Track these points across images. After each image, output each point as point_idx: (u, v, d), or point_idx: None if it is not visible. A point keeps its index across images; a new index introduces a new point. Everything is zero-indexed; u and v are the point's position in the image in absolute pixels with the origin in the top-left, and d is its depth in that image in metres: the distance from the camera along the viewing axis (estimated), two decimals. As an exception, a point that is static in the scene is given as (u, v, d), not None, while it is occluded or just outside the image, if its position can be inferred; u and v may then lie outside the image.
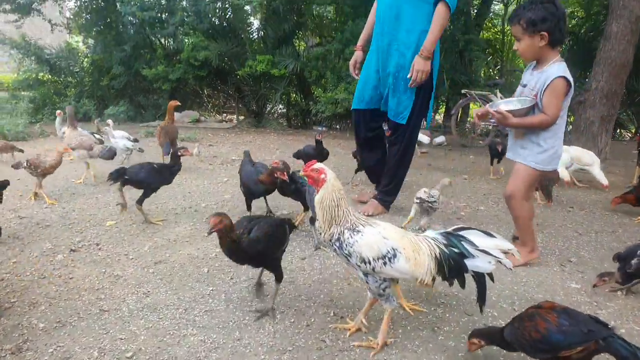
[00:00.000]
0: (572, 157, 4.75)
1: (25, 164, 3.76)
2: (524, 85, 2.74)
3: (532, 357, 1.72)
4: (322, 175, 1.85)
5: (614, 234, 3.58)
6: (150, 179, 3.29)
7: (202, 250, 2.94)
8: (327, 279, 2.60)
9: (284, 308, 2.27)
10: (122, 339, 1.98)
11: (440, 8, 3.23)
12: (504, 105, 2.76)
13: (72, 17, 10.99)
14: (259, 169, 3.31)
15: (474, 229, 1.91)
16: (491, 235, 1.87)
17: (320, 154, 4.35)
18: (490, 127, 7.99)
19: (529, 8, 2.55)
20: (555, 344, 1.59)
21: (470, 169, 5.92)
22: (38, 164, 3.73)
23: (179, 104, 5.46)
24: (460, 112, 8.79)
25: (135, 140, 5.31)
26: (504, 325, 1.78)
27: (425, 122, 3.91)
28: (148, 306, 2.25)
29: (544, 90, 2.56)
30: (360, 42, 3.84)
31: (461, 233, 1.88)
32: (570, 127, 7.13)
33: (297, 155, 4.64)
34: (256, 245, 2.05)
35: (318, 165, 1.88)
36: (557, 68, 2.57)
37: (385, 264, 1.79)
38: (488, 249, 1.82)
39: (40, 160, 3.75)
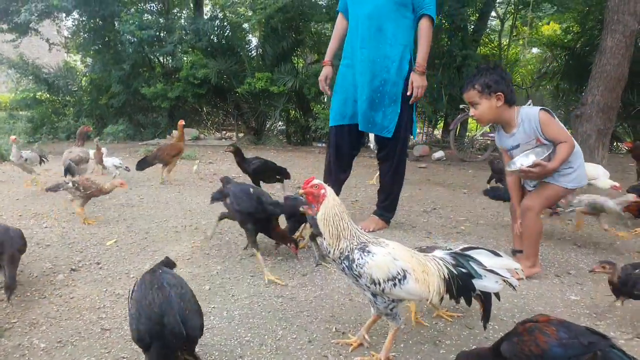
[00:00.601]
0: None
1: (71, 184, 3.54)
2: (516, 146, 2.81)
3: None
4: (322, 191, 1.85)
5: (612, 246, 3.60)
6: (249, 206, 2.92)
7: (203, 268, 2.94)
8: (328, 294, 2.60)
9: (286, 324, 2.27)
10: (124, 358, 1.97)
11: (425, 22, 3.32)
12: (524, 158, 2.76)
13: (69, 36, 11.15)
14: (260, 193, 3.06)
15: (481, 248, 1.90)
16: (498, 255, 1.86)
17: (240, 165, 4.46)
18: (489, 142, 8.08)
19: (480, 75, 2.75)
20: (556, 357, 1.59)
21: (470, 184, 5.96)
22: (89, 185, 3.56)
23: (183, 122, 5.49)
24: (458, 127, 8.88)
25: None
26: (491, 345, 1.77)
27: (411, 135, 3.89)
28: (149, 324, 2.24)
29: (540, 130, 2.67)
30: (328, 57, 3.77)
31: (469, 253, 1.88)
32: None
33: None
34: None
35: (317, 181, 1.88)
36: (529, 109, 2.74)
37: (395, 285, 1.77)
38: (495, 269, 1.82)
39: (92, 181, 3.59)
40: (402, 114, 3.50)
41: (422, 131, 12.73)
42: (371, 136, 6.12)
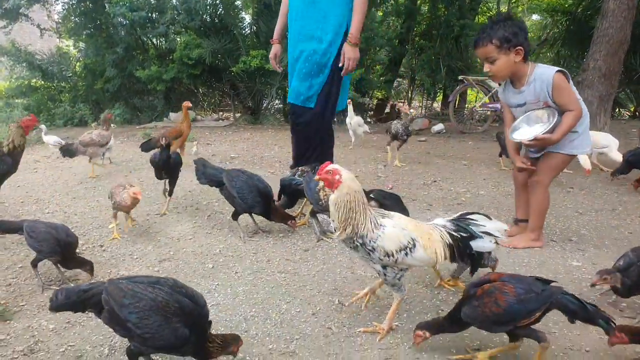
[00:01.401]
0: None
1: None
2: (522, 105, 2.71)
3: (491, 332, 1.76)
4: (337, 177, 1.79)
5: (614, 211, 3.61)
6: None
7: (206, 247, 2.96)
8: (330, 268, 2.63)
9: (289, 298, 2.30)
10: (131, 337, 2.00)
11: None
12: (526, 125, 2.70)
13: (60, 20, 10.93)
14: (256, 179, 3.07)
15: (477, 213, 1.98)
16: (490, 218, 1.97)
17: (163, 163, 3.45)
18: (489, 113, 8.01)
19: (497, 27, 2.55)
20: (516, 314, 1.64)
21: (470, 155, 5.93)
22: (113, 195, 3.01)
23: (189, 104, 5.39)
24: (457, 99, 8.79)
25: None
26: (447, 314, 1.82)
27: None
28: (155, 303, 2.27)
29: (551, 94, 2.57)
30: (276, 35, 3.74)
31: (467, 217, 1.97)
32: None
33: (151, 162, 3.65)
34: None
35: (332, 166, 1.83)
36: (545, 70, 2.60)
37: (406, 254, 1.82)
38: (490, 230, 1.92)
39: (117, 193, 2.98)
40: (325, 85, 3.39)
41: (421, 104, 12.63)
42: (350, 111, 6.05)
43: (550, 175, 2.80)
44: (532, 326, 1.69)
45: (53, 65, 10.23)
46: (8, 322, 2.14)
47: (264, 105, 10.42)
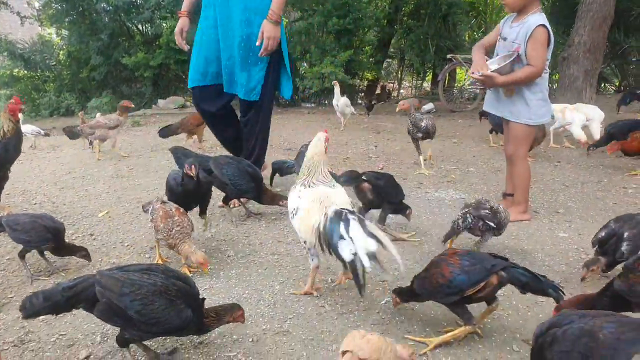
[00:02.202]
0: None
1: (150, 212, 2.49)
2: (504, 39, 2.76)
3: (442, 303, 1.78)
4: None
5: (600, 183, 3.66)
6: None
7: (197, 232, 2.94)
8: (322, 249, 2.64)
9: (282, 279, 2.31)
10: (124, 322, 2.00)
11: None
12: (492, 66, 2.76)
13: (41, 7, 10.66)
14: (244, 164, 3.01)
15: (361, 217, 1.73)
16: (372, 232, 1.66)
17: (194, 190, 2.66)
18: (478, 91, 8.00)
19: None
20: (460, 284, 1.67)
21: (460, 133, 5.95)
22: (167, 233, 2.30)
23: None
24: (446, 77, 8.77)
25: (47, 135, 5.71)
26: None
27: (279, 94, 3.54)
28: (147, 289, 2.26)
29: (527, 41, 2.59)
30: (185, 7, 3.37)
31: (350, 216, 1.72)
32: (556, 84, 7.15)
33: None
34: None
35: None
36: (536, 18, 2.62)
37: (292, 217, 2.05)
38: (356, 240, 1.65)
39: (172, 230, 2.29)
40: (267, 73, 3.16)
41: (411, 84, 12.60)
42: (336, 93, 6.02)
43: (519, 146, 2.84)
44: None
45: (35, 54, 10.03)
46: (-2, 313, 2.13)
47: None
